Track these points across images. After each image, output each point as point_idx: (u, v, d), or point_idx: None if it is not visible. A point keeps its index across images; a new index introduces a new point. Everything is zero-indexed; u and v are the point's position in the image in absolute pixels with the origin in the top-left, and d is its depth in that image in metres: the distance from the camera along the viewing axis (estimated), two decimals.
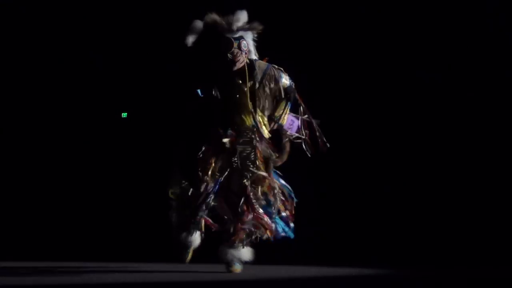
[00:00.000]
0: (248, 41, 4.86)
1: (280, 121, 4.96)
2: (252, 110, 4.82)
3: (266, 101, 4.91)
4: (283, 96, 4.96)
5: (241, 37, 4.81)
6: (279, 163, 4.97)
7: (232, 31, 4.79)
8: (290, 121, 5.01)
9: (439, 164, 6.40)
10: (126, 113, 6.96)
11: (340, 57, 6.50)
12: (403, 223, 6.23)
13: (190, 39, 4.80)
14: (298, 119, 5.03)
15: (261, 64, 4.93)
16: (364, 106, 6.55)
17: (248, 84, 4.82)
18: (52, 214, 6.71)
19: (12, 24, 6.82)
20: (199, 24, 4.80)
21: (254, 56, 4.94)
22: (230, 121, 4.81)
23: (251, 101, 4.83)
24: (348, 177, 6.45)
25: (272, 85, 4.92)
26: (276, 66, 4.97)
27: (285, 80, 4.97)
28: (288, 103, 5.00)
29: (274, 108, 4.97)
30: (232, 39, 4.77)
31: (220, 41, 4.77)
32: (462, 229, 6.13)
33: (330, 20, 6.54)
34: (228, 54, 4.77)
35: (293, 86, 5.02)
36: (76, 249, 6.32)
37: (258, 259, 4.83)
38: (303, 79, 5.16)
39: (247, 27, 4.82)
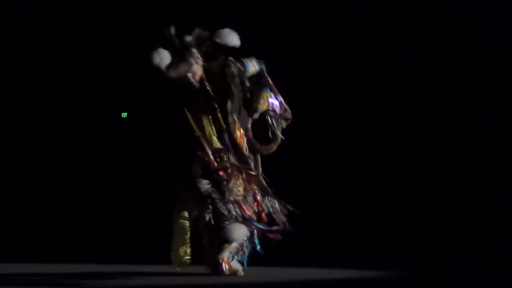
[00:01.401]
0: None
1: (260, 109, 4.84)
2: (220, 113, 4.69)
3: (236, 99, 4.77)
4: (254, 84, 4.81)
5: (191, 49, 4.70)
6: (267, 152, 4.88)
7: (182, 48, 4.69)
8: (270, 104, 4.88)
9: (439, 165, 6.41)
10: (126, 113, 6.93)
11: (331, 54, 6.50)
12: (403, 224, 6.22)
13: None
14: (276, 98, 4.89)
15: (212, 66, 4.79)
16: (363, 105, 6.54)
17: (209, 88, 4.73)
18: (48, 215, 6.69)
19: (11, 24, 6.79)
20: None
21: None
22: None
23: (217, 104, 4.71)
24: (348, 179, 6.45)
25: (234, 79, 4.76)
26: (232, 59, 4.80)
27: (253, 67, 4.81)
28: (264, 89, 4.85)
29: (252, 99, 4.83)
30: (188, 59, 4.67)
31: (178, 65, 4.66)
32: (461, 230, 6.14)
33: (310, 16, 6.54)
34: (188, 75, 4.68)
35: (264, 69, 4.84)
36: (74, 250, 6.27)
37: (259, 261, 4.81)
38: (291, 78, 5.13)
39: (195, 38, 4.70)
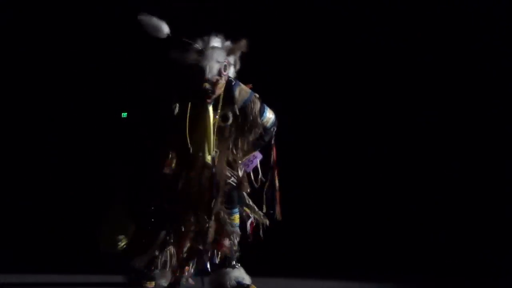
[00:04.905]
0: (230, 61, 4.19)
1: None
2: (214, 150, 4.17)
3: (238, 140, 4.30)
4: (257, 135, 4.34)
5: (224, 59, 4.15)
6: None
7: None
8: (246, 162, 4.42)
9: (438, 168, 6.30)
10: (126, 113, 6.82)
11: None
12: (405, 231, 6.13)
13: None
14: (258, 156, 4.44)
15: (243, 92, 4.29)
16: (359, 104, 6.44)
17: (217, 115, 4.21)
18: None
19: (9, 24, 6.69)
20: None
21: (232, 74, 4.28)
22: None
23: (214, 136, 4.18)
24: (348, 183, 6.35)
25: (249, 120, 4.28)
26: (258, 97, 4.34)
27: (269, 115, 4.37)
28: (256, 147, 4.41)
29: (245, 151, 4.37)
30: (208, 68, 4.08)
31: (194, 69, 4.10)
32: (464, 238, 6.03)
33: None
34: (206, 84, 4.08)
35: (275, 128, 4.41)
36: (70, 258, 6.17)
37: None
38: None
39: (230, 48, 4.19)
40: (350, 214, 6.31)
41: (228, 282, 4.27)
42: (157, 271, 4.41)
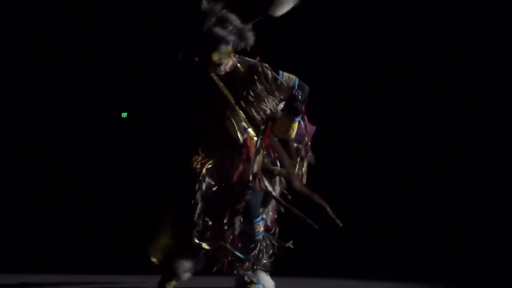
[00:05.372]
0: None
1: (280, 136, 4.21)
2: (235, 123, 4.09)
3: (260, 103, 4.12)
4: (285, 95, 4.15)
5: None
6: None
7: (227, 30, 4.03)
8: (300, 131, 4.26)
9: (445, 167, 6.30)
10: (126, 113, 6.82)
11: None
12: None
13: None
14: (302, 125, 4.28)
15: (247, 60, 4.17)
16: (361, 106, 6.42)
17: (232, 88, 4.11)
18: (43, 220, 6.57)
19: (11, 24, 6.69)
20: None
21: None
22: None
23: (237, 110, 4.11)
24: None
25: (264, 83, 4.12)
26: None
27: (286, 75, 4.16)
28: (292, 117, 4.19)
29: (277, 123, 4.19)
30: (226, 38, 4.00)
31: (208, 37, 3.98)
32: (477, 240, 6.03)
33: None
34: (215, 56, 3.99)
35: (304, 88, 4.18)
36: (69, 259, 6.16)
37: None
38: None
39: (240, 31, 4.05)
40: (350, 213, 6.28)
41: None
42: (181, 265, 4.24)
